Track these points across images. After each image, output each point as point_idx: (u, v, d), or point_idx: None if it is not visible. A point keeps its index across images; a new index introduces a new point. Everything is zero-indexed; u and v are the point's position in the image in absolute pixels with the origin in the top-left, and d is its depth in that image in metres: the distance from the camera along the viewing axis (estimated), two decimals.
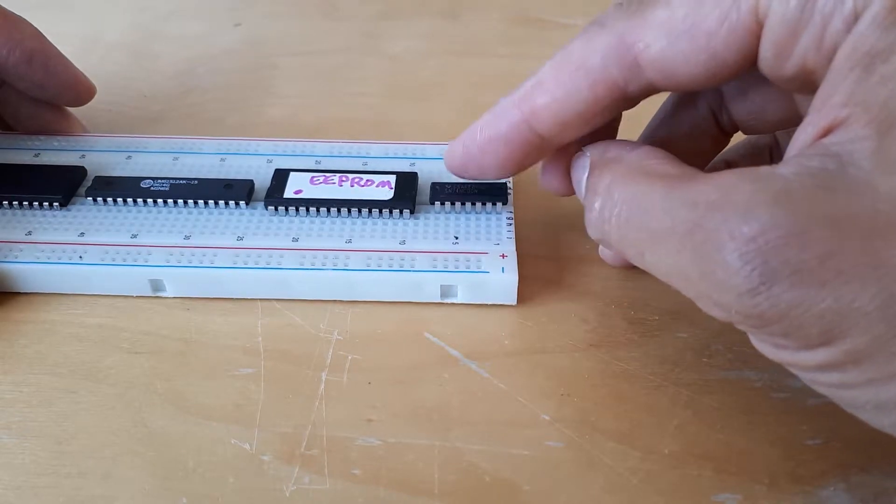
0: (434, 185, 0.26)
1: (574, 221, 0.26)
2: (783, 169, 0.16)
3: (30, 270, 0.23)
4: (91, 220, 0.25)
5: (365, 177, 0.26)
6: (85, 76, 0.28)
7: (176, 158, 0.28)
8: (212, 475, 0.19)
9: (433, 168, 0.27)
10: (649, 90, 0.20)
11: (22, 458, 0.20)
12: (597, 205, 0.19)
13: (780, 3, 0.16)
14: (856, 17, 0.15)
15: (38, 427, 0.20)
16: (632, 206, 0.18)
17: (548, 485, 0.19)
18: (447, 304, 0.24)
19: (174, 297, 0.24)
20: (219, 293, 0.24)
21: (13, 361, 0.22)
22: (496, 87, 0.34)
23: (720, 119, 0.22)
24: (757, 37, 0.17)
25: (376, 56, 0.37)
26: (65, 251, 0.24)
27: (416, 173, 0.26)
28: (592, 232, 0.20)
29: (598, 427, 0.20)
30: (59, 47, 0.28)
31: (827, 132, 0.16)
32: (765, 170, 0.16)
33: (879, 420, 0.16)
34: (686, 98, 0.23)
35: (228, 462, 0.20)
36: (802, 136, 0.16)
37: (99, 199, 0.25)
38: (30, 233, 0.24)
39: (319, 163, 0.27)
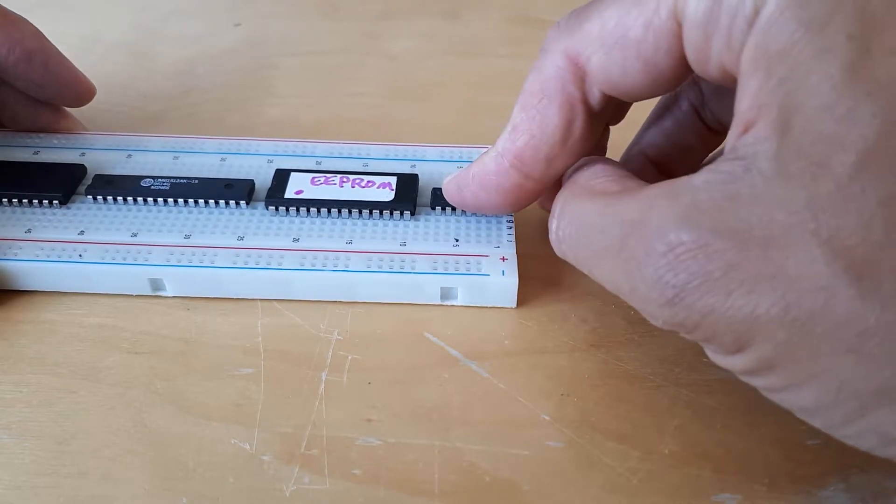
0: (435, 190, 0.26)
1: None
2: (697, 179, 0.16)
3: (29, 268, 0.23)
4: (91, 218, 0.25)
5: (366, 178, 0.26)
6: (85, 76, 0.28)
7: (176, 157, 0.27)
8: (212, 475, 0.19)
9: (433, 170, 0.27)
10: (609, 101, 0.20)
11: (22, 458, 0.20)
12: (553, 225, 0.20)
13: (691, 5, 0.17)
14: (756, 15, 0.15)
15: (39, 427, 0.20)
16: (578, 225, 0.19)
17: (548, 485, 0.19)
18: (447, 305, 0.24)
19: (174, 297, 0.24)
20: (219, 293, 0.24)
21: (13, 361, 0.22)
22: (496, 87, 0.34)
23: (703, 116, 0.23)
24: (680, 40, 0.17)
25: (376, 56, 0.37)
26: (64, 249, 0.24)
27: (416, 175, 0.26)
28: (556, 251, 0.20)
29: (598, 427, 0.20)
30: (59, 47, 0.28)
31: (742, 127, 0.16)
32: (681, 182, 0.16)
33: (812, 421, 0.16)
34: (671, 98, 0.23)
35: (228, 462, 0.20)
36: (727, 140, 0.17)
37: (99, 197, 0.25)
38: (29, 231, 0.24)
39: (320, 163, 0.27)
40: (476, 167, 0.22)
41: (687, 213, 0.16)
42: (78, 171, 0.26)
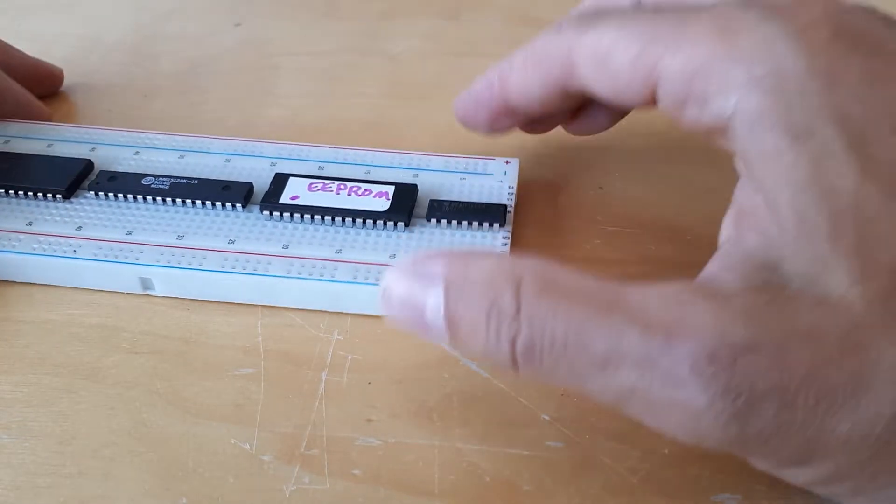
0: (432, 202, 0.25)
1: (576, 224, 0.26)
2: (727, 285, 0.15)
3: (26, 261, 0.24)
4: (90, 214, 0.25)
5: (363, 186, 0.26)
6: (47, 64, 0.28)
7: (182, 157, 0.28)
8: (212, 475, 0.19)
9: (435, 181, 0.27)
10: (583, 94, 0.21)
11: (22, 458, 0.20)
12: (513, 329, 0.16)
13: (666, 76, 0.17)
14: (732, 114, 0.16)
15: (39, 427, 0.20)
16: (565, 328, 0.15)
17: (548, 485, 0.19)
18: None
19: (163, 297, 0.24)
20: (207, 296, 0.24)
21: (13, 361, 0.22)
22: None
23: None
24: (653, 93, 0.18)
25: (377, 56, 0.37)
26: (60, 244, 0.24)
27: (416, 186, 0.26)
28: (506, 362, 0.16)
29: (598, 427, 0.20)
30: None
31: (755, 235, 0.16)
32: (706, 285, 0.16)
33: None
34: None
35: (228, 462, 0.20)
36: (733, 234, 0.17)
37: (101, 193, 0.26)
38: (30, 223, 0.25)
39: (322, 168, 0.27)
40: (476, 83, 0.24)
41: (746, 316, 0.14)
42: (85, 166, 0.26)
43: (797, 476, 0.16)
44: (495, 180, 0.27)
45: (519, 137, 0.27)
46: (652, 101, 0.19)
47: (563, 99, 0.22)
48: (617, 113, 0.25)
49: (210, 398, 0.21)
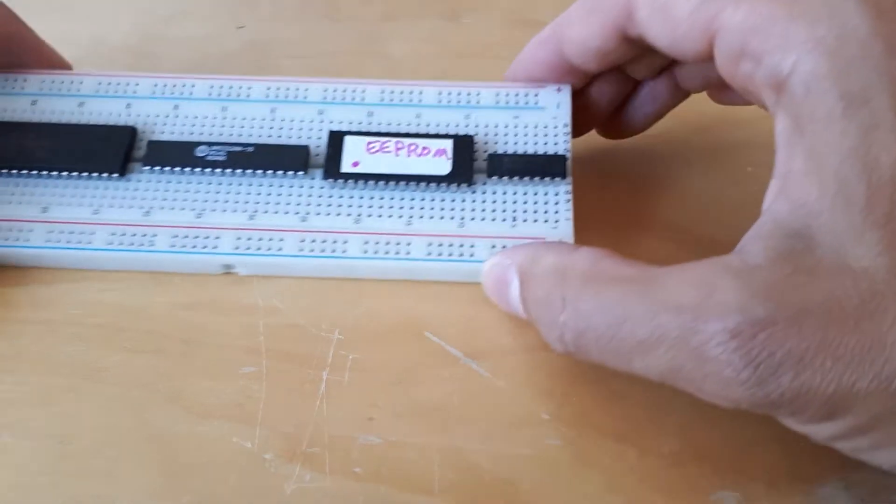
0: (492, 157, 0.25)
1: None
2: (753, 258, 0.16)
3: (103, 258, 0.23)
4: (153, 194, 0.24)
5: (421, 143, 0.25)
6: (59, 56, 0.27)
7: (225, 108, 0.26)
8: (213, 474, 0.19)
9: (489, 122, 0.26)
10: (642, 47, 0.21)
11: (23, 458, 0.20)
12: (560, 320, 0.18)
13: (726, 28, 0.17)
14: (788, 73, 0.16)
15: (40, 427, 0.21)
16: (607, 317, 0.17)
17: (548, 484, 0.19)
18: (446, 303, 0.24)
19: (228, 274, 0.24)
20: (286, 273, 0.24)
21: (14, 361, 0.22)
22: None
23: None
24: (711, 45, 0.18)
25: (378, 58, 0.37)
26: (135, 235, 0.23)
27: (471, 137, 0.25)
28: (562, 348, 0.19)
29: (598, 426, 0.20)
30: (61, 50, 0.28)
31: (787, 203, 0.16)
32: (734, 260, 0.16)
33: None
34: None
35: (230, 461, 0.20)
36: (769, 205, 0.17)
37: (156, 168, 0.25)
38: (97, 211, 0.24)
39: (372, 114, 0.26)
40: (530, 44, 0.24)
41: (768, 293, 0.15)
42: (129, 134, 0.25)
43: (822, 431, 0.16)
44: (549, 115, 0.26)
45: None
46: (709, 55, 0.18)
47: (622, 50, 0.21)
48: (662, 106, 0.25)
49: (212, 397, 0.21)
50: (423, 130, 0.26)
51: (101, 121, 0.26)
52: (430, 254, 0.23)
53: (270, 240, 0.24)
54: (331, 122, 0.26)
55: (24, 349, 0.22)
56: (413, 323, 0.23)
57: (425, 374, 0.22)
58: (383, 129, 0.26)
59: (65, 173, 0.24)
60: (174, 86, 0.27)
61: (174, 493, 0.19)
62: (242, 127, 0.26)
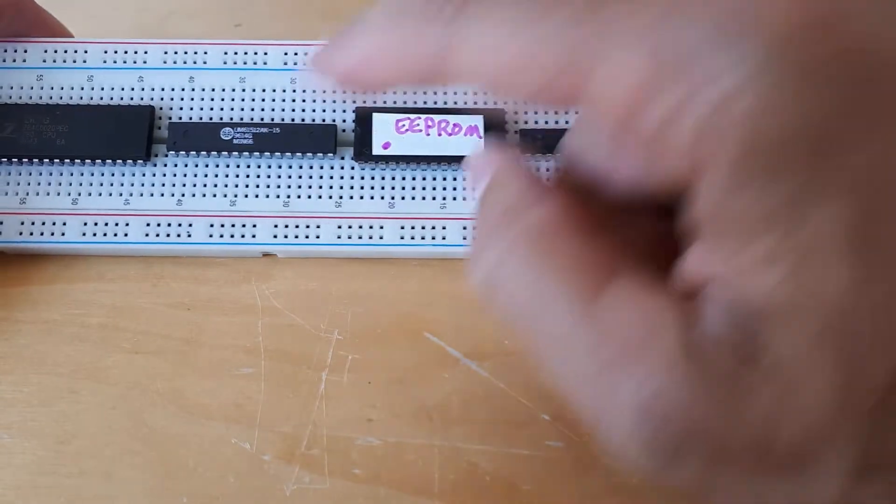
0: (523, 133, 0.24)
1: None
2: (708, 322, 0.13)
3: (142, 249, 0.23)
4: (182, 179, 0.24)
5: (451, 121, 0.24)
6: (60, 25, 0.27)
7: (243, 79, 0.25)
8: (212, 475, 0.19)
9: None
10: None
11: (22, 458, 0.20)
12: (483, 265, 0.15)
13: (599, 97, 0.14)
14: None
15: (39, 427, 0.21)
16: (532, 297, 0.14)
17: (548, 485, 0.19)
18: (446, 303, 0.24)
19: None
20: (323, 255, 0.24)
21: (13, 361, 0.22)
22: None
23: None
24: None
25: None
26: (171, 225, 0.23)
27: (503, 111, 0.25)
28: (474, 285, 0.16)
29: None
30: None
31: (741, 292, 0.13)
32: (686, 315, 0.13)
33: None
34: None
35: (229, 462, 0.20)
36: (700, 263, 0.14)
37: (181, 152, 0.24)
38: (128, 201, 0.23)
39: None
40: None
41: (696, 384, 0.13)
42: (149, 115, 0.24)
43: None
44: None
45: None
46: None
47: None
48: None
49: (210, 398, 0.21)
50: (451, 100, 0.25)
51: (115, 97, 0.25)
52: (465, 238, 0.23)
53: (308, 226, 0.23)
54: (358, 105, 0.25)
55: (24, 349, 0.22)
56: (413, 323, 0.23)
57: (425, 375, 0.22)
58: (409, 100, 0.25)
59: (88, 161, 0.24)
60: (185, 52, 0.26)
61: (173, 493, 0.19)
62: (263, 100, 0.25)
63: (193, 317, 0.23)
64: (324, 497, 0.19)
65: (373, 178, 0.24)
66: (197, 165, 0.24)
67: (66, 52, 0.25)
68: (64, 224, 0.23)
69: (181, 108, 0.25)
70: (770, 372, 0.13)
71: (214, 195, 0.24)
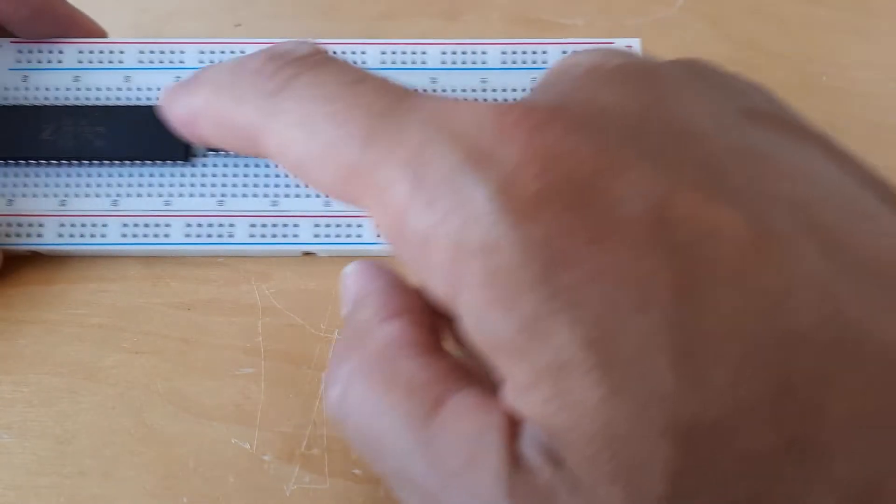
0: None
1: None
2: (527, 440, 0.13)
3: (182, 250, 0.23)
4: (222, 180, 0.23)
5: None
6: (94, 23, 0.26)
7: None
8: (212, 475, 0.19)
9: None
10: None
11: (22, 458, 0.20)
12: (334, 392, 0.15)
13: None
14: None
15: (39, 427, 0.21)
16: (372, 420, 0.14)
17: None
18: None
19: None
20: (365, 255, 0.23)
21: (13, 361, 0.22)
22: None
23: None
24: None
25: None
26: (212, 226, 0.23)
27: None
28: (327, 408, 0.15)
29: None
30: None
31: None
32: (512, 445, 0.13)
33: None
34: None
35: (229, 462, 0.20)
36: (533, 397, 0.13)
37: (221, 152, 0.23)
38: (168, 202, 0.23)
39: (436, 81, 0.25)
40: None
41: (525, 487, 0.13)
42: None
43: None
44: None
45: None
46: None
47: None
48: None
49: (210, 398, 0.21)
50: (489, 97, 0.25)
51: (152, 97, 0.24)
52: None
53: (349, 226, 0.23)
54: None
55: (24, 349, 0.22)
56: None
57: None
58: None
59: (127, 162, 0.23)
60: (222, 53, 0.25)
61: (172, 493, 0.19)
62: None
63: (193, 317, 0.23)
64: (324, 497, 0.19)
65: None
66: (237, 165, 0.23)
67: (101, 52, 0.25)
68: (104, 226, 0.23)
69: None
70: (573, 488, 0.13)
71: (255, 195, 0.23)
